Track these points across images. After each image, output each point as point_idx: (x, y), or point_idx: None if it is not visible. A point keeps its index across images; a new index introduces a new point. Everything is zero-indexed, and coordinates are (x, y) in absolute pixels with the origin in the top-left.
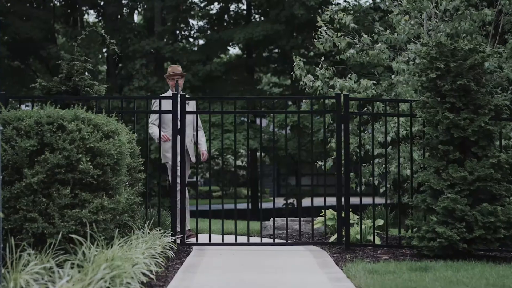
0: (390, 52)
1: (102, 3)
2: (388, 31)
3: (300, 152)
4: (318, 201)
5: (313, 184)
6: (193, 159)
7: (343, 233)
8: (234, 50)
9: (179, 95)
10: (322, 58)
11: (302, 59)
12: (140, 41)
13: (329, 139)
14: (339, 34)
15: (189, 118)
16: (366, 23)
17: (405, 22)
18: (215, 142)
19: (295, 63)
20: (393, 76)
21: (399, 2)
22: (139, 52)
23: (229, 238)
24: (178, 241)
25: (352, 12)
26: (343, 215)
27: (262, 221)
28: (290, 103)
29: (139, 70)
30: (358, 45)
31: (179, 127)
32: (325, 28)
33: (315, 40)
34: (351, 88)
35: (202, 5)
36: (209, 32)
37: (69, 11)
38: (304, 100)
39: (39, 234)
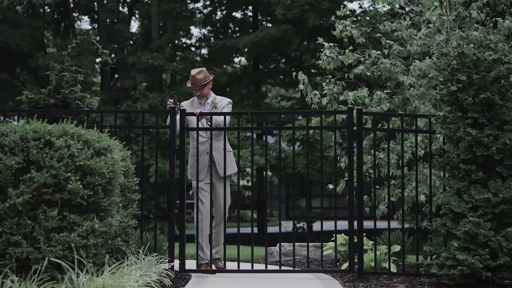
0: (403, 65)
1: (96, 8)
2: (397, 43)
3: (310, 171)
4: (330, 224)
5: (324, 207)
6: (221, 172)
7: (356, 260)
8: (240, 60)
9: (176, 109)
10: (330, 76)
11: (305, 78)
12: (137, 52)
13: (339, 158)
14: (346, 51)
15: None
16: (381, 30)
17: (417, 34)
18: None
19: (299, 77)
20: (408, 89)
21: (408, 14)
22: (135, 70)
23: (232, 265)
24: (176, 268)
25: (361, 24)
26: (355, 240)
27: (269, 247)
28: (300, 117)
29: (138, 89)
30: (368, 61)
31: (177, 146)
32: (328, 49)
33: (319, 61)
34: (363, 101)
35: (205, 11)
36: (212, 40)
37: (59, 16)
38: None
39: (24, 260)
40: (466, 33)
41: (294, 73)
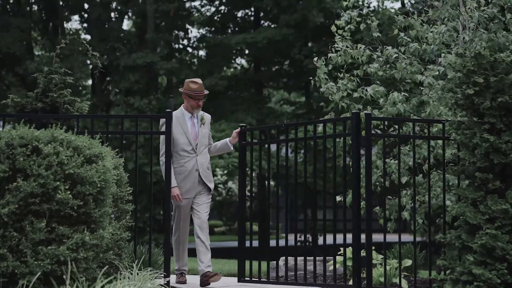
0: (420, 65)
1: (87, 6)
2: (415, 42)
3: (317, 181)
4: (337, 237)
5: (329, 219)
6: (211, 185)
7: (363, 275)
8: (240, 62)
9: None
10: (345, 66)
11: (324, 63)
12: (131, 53)
13: (351, 164)
14: (358, 45)
15: (204, 140)
16: (389, 34)
17: (434, 31)
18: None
19: (318, 64)
20: (424, 91)
21: (426, 10)
22: (128, 68)
23: (231, 280)
24: (173, 284)
25: (373, 18)
26: (363, 254)
27: (273, 261)
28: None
29: (120, 95)
30: (381, 58)
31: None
32: (339, 38)
33: (330, 53)
34: (381, 95)
35: (203, 9)
36: (211, 41)
37: (48, 15)
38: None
39: (10, 274)
40: (492, 34)
41: (315, 58)
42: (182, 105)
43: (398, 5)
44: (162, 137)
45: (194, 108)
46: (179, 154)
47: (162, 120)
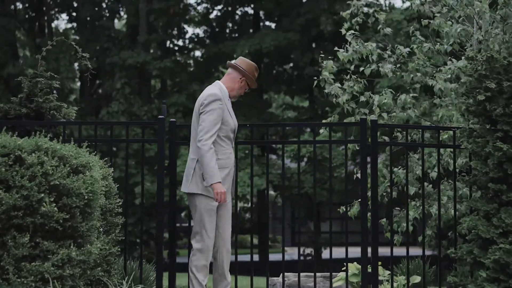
0: (431, 68)
1: (75, 4)
2: (428, 41)
3: (319, 191)
4: (341, 251)
5: (333, 231)
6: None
7: None
8: None
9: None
10: (352, 66)
11: (331, 64)
12: (121, 52)
13: (355, 170)
14: (369, 43)
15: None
16: (397, 39)
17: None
18: None
19: (326, 64)
20: (435, 94)
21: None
22: (119, 66)
23: None
24: None
25: (383, 12)
26: (369, 269)
27: (272, 277)
28: (308, 129)
29: (120, 90)
30: (392, 58)
31: (167, 162)
32: (351, 35)
33: (339, 50)
34: (388, 107)
35: (199, 8)
36: (208, 41)
37: (34, 14)
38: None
39: None
40: (507, 36)
41: (320, 55)
42: (220, 82)
43: (406, 4)
44: (214, 117)
45: (239, 95)
46: (225, 141)
47: (212, 97)
